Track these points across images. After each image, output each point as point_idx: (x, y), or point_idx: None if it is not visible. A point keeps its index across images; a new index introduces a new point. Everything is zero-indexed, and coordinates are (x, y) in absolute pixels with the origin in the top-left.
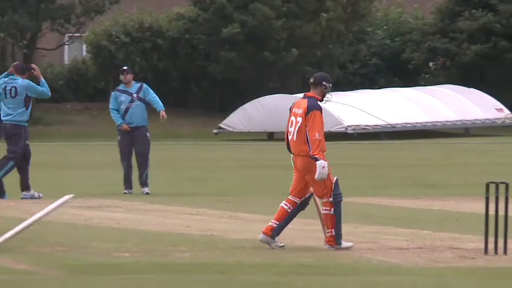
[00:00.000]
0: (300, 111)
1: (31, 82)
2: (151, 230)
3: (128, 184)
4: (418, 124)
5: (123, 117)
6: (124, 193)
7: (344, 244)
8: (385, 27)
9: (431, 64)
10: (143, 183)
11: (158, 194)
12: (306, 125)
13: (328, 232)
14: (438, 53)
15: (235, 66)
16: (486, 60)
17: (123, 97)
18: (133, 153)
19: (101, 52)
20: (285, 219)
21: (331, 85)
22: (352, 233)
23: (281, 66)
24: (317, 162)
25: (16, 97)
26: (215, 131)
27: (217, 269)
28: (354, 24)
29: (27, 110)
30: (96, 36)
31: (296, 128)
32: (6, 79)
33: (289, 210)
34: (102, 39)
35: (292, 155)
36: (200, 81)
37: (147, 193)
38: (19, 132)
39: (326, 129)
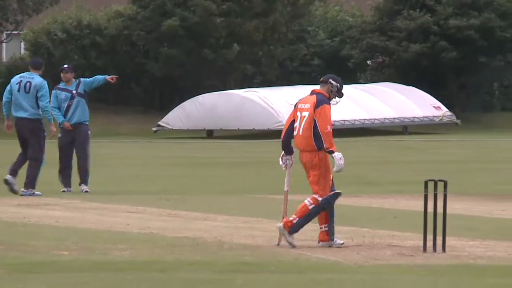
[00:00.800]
0: (307, 105)
1: (45, 82)
2: (90, 228)
3: (67, 182)
4: (357, 122)
5: (64, 115)
6: (63, 191)
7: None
8: (324, 26)
9: (369, 62)
10: (83, 181)
11: (97, 192)
12: (314, 119)
13: (291, 217)
14: (377, 51)
15: (174, 63)
16: (425, 59)
17: (63, 95)
18: (73, 151)
19: (39, 50)
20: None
21: (338, 85)
22: None
23: (221, 64)
24: (334, 155)
25: (22, 92)
26: (154, 129)
27: (157, 267)
28: (294, 24)
29: (39, 108)
30: (35, 34)
31: (303, 122)
32: (25, 73)
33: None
34: (41, 36)
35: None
36: (139, 79)
37: (86, 191)
38: (36, 126)
39: (264, 127)
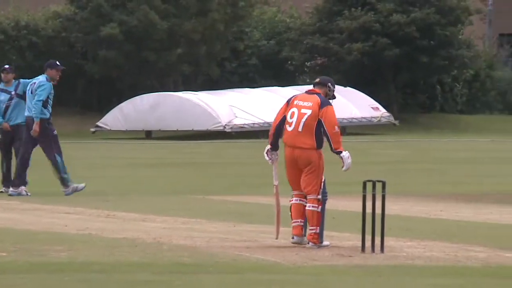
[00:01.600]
0: (308, 104)
1: (47, 83)
2: (28, 229)
3: (6, 183)
4: None
5: (3, 116)
6: (1, 191)
7: (324, 242)
8: (260, 27)
9: (308, 63)
10: (21, 183)
11: (36, 193)
12: (320, 119)
13: (312, 229)
14: (318, 52)
15: (113, 65)
16: (367, 58)
17: (2, 96)
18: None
19: None
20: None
21: (334, 89)
22: (231, 231)
23: (162, 65)
24: (342, 155)
25: (29, 93)
26: (92, 129)
27: (95, 268)
28: (233, 25)
29: (45, 107)
30: None
31: (303, 120)
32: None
33: (305, 204)
34: None
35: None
36: (78, 80)
37: (11, 195)
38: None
39: (203, 127)
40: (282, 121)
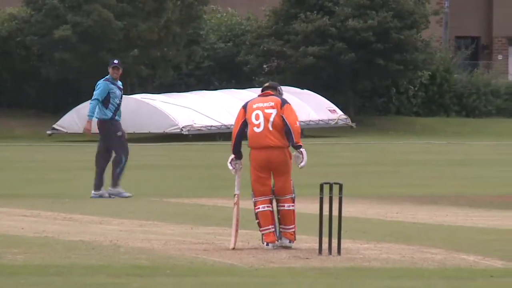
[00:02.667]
0: (270, 104)
1: (102, 82)
2: None
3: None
4: None
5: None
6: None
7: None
8: (217, 30)
9: (265, 66)
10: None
11: None
12: (282, 116)
13: (291, 228)
14: (274, 55)
15: (69, 67)
16: (322, 61)
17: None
18: None
19: None
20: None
21: (282, 93)
22: (188, 234)
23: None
24: (302, 150)
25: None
26: (49, 132)
27: (52, 271)
28: (189, 27)
29: (106, 108)
30: None
31: (271, 119)
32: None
33: (271, 209)
34: None
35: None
36: (33, 82)
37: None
38: (101, 128)
39: (160, 130)
40: (242, 129)
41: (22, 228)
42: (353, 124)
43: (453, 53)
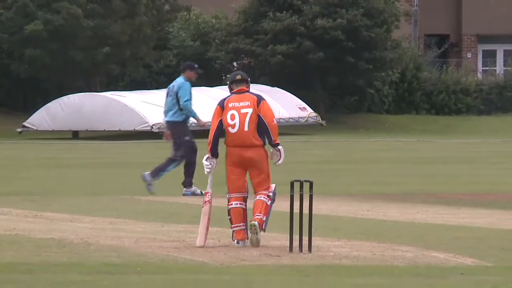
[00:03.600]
0: (246, 103)
1: (185, 82)
2: None
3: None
4: None
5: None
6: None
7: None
8: (185, 29)
9: (235, 63)
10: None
11: None
12: (259, 114)
13: (260, 216)
14: (242, 53)
15: (40, 64)
16: (291, 60)
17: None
18: None
19: None
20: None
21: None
22: (158, 232)
23: (88, 64)
24: (280, 147)
25: (168, 97)
26: (19, 129)
27: (23, 269)
28: (159, 27)
29: (180, 110)
30: None
31: (247, 119)
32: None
33: (244, 207)
34: None
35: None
36: (3, 79)
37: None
38: (173, 131)
39: (131, 127)
40: (219, 128)
41: None
42: (323, 122)
43: (423, 51)
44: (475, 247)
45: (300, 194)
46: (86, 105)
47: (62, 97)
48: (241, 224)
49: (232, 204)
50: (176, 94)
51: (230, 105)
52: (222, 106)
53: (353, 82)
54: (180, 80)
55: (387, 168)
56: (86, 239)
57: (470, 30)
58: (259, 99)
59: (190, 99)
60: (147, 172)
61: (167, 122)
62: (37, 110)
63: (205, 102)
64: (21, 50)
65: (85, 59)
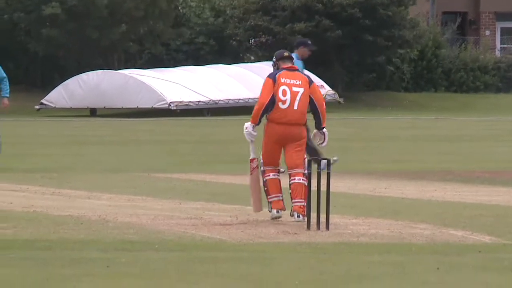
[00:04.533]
0: (298, 82)
1: (299, 62)
2: None
3: None
4: (241, 101)
5: None
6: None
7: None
8: (205, 5)
9: (252, 41)
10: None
11: None
12: (310, 96)
13: (301, 202)
14: (261, 31)
15: (57, 43)
16: (309, 38)
17: None
18: None
19: None
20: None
21: None
22: (176, 209)
23: (105, 43)
24: (325, 131)
25: None
26: (37, 107)
27: (41, 246)
28: (173, 1)
29: None
30: None
31: (298, 98)
32: None
33: (280, 178)
34: None
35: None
36: (21, 58)
37: None
38: None
39: (148, 105)
40: (271, 101)
41: (11, 203)
42: (341, 100)
43: (441, 28)
44: (492, 225)
45: (317, 172)
46: (104, 82)
47: (80, 75)
48: (278, 194)
49: (269, 175)
50: None
51: (282, 80)
52: (274, 79)
53: (372, 59)
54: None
55: (405, 146)
56: (104, 216)
57: (488, 8)
58: (310, 80)
59: None
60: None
61: None
62: (55, 87)
63: (222, 79)
64: (38, 30)
65: (101, 37)
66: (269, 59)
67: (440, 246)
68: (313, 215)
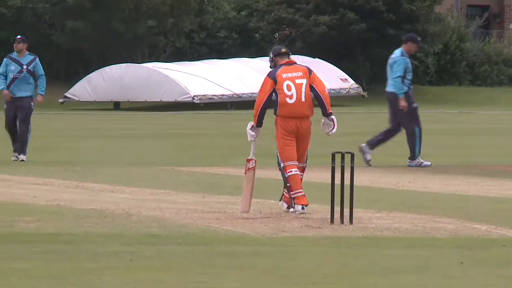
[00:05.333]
0: (299, 74)
1: (399, 58)
2: None
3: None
4: None
5: (8, 86)
6: (14, 160)
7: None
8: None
9: (276, 34)
10: (21, 151)
11: (3, 164)
12: (311, 85)
13: (300, 192)
14: (285, 23)
15: (81, 35)
16: (334, 31)
17: (13, 66)
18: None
19: None
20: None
21: None
22: (200, 203)
23: (130, 36)
24: (333, 117)
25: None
26: (61, 100)
27: (64, 239)
28: None
29: (402, 82)
30: None
31: (303, 89)
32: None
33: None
34: None
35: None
36: (45, 50)
37: (23, 160)
38: (394, 102)
39: (172, 98)
40: (269, 100)
41: (35, 196)
42: (365, 93)
43: (465, 22)
44: None
45: (341, 166)
46: (127, 76)
47: (104, 68)
48: (301, 190)
49: (291, 171)
50: (391, 67)
51: (284, 75)
52: (273, 78)
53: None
54: (397, 52)
55: (429, 140)
56: (127, 210)
57: None
58: (310, 70)
59: (400, 76)
60: (408, 162)
61: (385, 92)
62: (79, 81)
63: (246, 73)
64: (63, 22)
65: (127, 31)
66: (293, 53)
67: (463, 240)
68: (337, 209)
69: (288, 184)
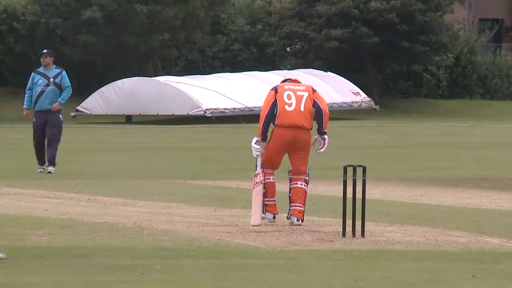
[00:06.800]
0: (301, 87)
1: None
2: (7, 214)
3: (41, 162)
4: None
5: (36, 99)
6: (40, 171)
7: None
8: (240, 13)
9: (288, 48)
10: (50, 162)
11: (15, 177)
12: (315, 100)
13: (301, 207)
14: (297, 38)
15: (93, 49)
16: (346, 45)
17: (40, 80)
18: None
19: None
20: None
21: None
22: (211, 216)
23: (143, 50)
24: (326, 137)
25: None
26: (72, 114)
27: (76, 253)
28: (211, 10)
29: None
30: None
31: (303, 100)
32: None
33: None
34: None
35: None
36: (57, 64)
37: (50, 172)
38: None
39: (184, 112)
40: (272, 110)
41: (46, 210)
42: (377, 107)
43: (477, 35)
44: None
45: (353, 179)
46: (139, 89)
47: (116, 82)
48: (274, 199)
49: (269, 178)
50: None
51: (286, 87)
52: (274, 89)
53: (408, 67)
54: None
55: (441, 153)
56: (139, 223)
57: None
58: (313, 88)
59: None
60: None
61: None
62: (91, 94)
63: (258, 86)
64: (75, 36)
65: (139, 44)
66: (305, 66)
67: (475, 254)
68: (349, 222)
69: (263, 190)
